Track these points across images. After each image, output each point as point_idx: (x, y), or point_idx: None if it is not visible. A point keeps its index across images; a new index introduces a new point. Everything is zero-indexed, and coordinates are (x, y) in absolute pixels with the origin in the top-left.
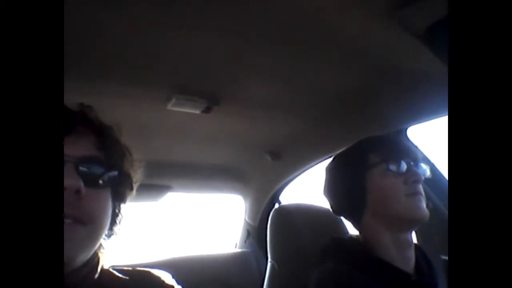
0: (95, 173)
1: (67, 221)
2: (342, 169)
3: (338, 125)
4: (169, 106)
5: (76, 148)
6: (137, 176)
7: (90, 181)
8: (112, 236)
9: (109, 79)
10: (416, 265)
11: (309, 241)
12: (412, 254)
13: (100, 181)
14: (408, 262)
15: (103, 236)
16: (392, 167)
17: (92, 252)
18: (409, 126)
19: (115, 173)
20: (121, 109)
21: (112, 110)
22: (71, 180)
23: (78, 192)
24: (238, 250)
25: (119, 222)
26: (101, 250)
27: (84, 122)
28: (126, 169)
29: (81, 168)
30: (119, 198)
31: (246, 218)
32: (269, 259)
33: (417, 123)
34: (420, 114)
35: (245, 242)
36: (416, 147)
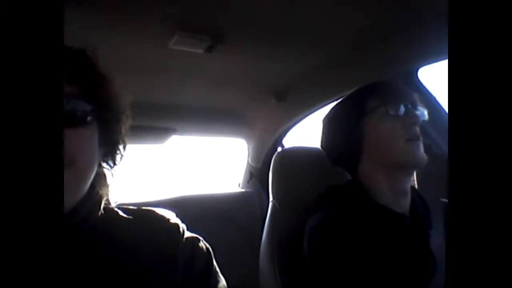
0: (67, 111)
1: None
2: (340, 117)
3: (346, 67)
4: (171, 45)
5: None
6: (122, 106)
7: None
8: (114, 167)
9: (105, 11)
10: (411, 208)
11: (310, 183)
12: (408, 198)
13: (76, 119)
14: (403, 206)
15: (92, 174)
16: (391, 110)
17: (82, 191)
18: (419, 67)
19: (93, 106)
20: (119, 47)
21: (108, 47)
22: None
23: None
24: (241, 190)
25: (119, 153)
26: (104, 186)
27: None
28: (106, 100)
29: None
30: (107, 132)
31: (249, 161)
32: (270, 199)
33: (428, 64)
34: (432, 54)
35: (248, 182)
36: (416, 89)
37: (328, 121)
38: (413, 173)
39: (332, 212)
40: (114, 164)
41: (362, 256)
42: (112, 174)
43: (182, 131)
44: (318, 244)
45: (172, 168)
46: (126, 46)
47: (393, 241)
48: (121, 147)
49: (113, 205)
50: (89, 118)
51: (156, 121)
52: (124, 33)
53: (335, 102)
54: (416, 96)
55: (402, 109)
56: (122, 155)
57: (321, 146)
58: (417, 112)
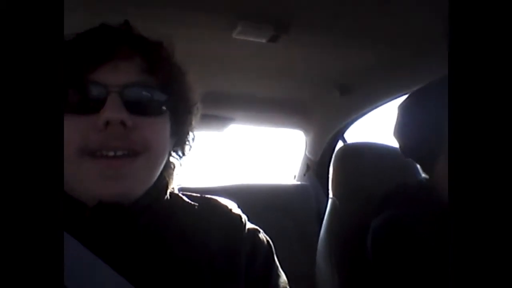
0: (144, 100)
1: (119, 153)
2: (421, 106)
3: (417, 59)
4: (235, 35)
5: (120, 74)
6: (194, 98)
7: (139, 109)
8: (182, 157)
9: (169, 3)
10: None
11: (375, 182)
12: None
13: (151, 108)
14: None
15: (163, 162)
16: None
17: (154, 178)
18: None
19: (168, 97)
20: (182, 38)
21: (172, 39)
22: (113, 112)
23: (123, 123)
24: (297, 182)
25: (188, 144)
26: (171, 172)
27: (128, 42)
28: (180, 92)
29: (126, 96)
30: (178, 122)
31: (307, 153)
32: (330, 195)
33: None
34: None
35: (304, 175)
36: None
37: (406, 109)
38: None
39: (401, 212)
40: (183, 154)
41: (429, 261)
42: (180, 164)
43: (241, 121)
44: (384, 244)
45: (230, 156)
46: (191, 37)
47: None
48: (190, 138)
49: (176, 188)
50: (163, 107)
51: (216, 109)
52: (189, 24)
53: (405, 95)
54: None
55: None
56: (191, 146)
57: (394, 136)
58: None
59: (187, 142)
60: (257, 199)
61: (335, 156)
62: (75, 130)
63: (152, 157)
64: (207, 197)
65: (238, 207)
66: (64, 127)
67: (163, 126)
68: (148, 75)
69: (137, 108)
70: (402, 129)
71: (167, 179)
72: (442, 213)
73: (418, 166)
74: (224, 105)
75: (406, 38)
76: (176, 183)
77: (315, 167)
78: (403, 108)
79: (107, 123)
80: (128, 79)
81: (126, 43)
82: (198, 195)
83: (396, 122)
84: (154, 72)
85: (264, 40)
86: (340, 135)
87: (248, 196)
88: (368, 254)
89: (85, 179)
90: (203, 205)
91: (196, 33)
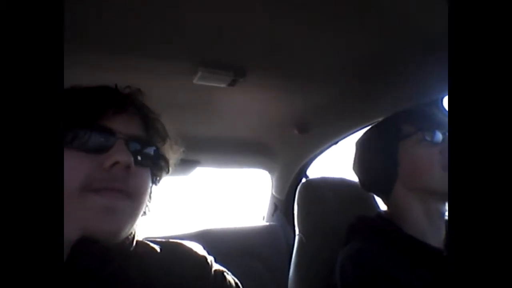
0: (141, 152)
1: (117, 194)
2: (375, 141)
3: (369, 97)
4: (195, 80)
5: (127, 126)
6: (173, 160)
7: (137, 158)
8: (144, 215)
9: (132, 53)
10: (446, 239)
11: (337, 215)
12: (443, 227)
13: (144, 160)
14: (439, 236)
15: (143, 211)
16: (428, 137)
17: (135, 223)
18: (444, 96)
19: (156, 154)
20: (146, 84)
21: (137, 85)
22: (123, 156)
23: (128, 167)
24: (265, 223)
25: (150, 202)
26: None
27: (134, 104)
28: (166, 152)
29: (130, 145)
30: (155, 178)
31: (273, 192)
32: (297, 232)
33: None
34: None
35: (273, 215)
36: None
37: (362, 145)
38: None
39: (365, 244)
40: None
41: None
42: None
43: (206, 163)
44: (351, 275)
45: (196, 200)
46: (152, 84)
47: (429, 276)
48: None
49: (141, 239)
50: (151, 161)
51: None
52: (150, 71)
53: (363, 130)
54: None
55: (439, 136)
56: (150, 206)
57: (353, 170)
58: None
59: (149, 200)
60: (225, 243)
61: (298, 192)
62: (79, 167)
63: (139, 203)
64: (171, 241)
65: (204, 249)
66: (67, 162)
67: (149, 177)
68: (145, 132)
69: (135, 156)
70: (361, 163)
71: (134, 229)
72: (401, 241)
73: (377, 198)
74: (189, 148)
75: (357, 75)
76: (142, 234)
77: (283, 206)
78: (360, 143)
79: (114, 164)
80: (133, 131)
81: (133, 104)
82: (163, 240)
83: (355, 157)
84: (149, 131)
85: (224, 85)
86: (303, 172)
87: (216, 241)
88: (337, 287)
89: (87, 212)
90: (168, 249)
91: (157, 80)
